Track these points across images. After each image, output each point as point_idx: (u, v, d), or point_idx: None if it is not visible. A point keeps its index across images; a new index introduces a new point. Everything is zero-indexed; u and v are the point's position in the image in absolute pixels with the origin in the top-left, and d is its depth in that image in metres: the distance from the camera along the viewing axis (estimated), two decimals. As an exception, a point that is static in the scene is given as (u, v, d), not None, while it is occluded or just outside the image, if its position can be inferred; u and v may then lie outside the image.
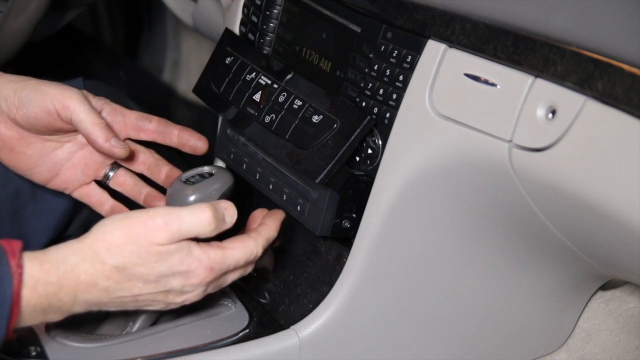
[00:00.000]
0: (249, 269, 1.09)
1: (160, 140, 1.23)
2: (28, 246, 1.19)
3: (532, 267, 1.21)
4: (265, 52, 1.31)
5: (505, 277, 1.22)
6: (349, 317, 1.15)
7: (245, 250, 1.05)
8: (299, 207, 1.20)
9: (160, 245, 0.99)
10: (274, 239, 1.11)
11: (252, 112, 1.23)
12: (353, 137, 1.12)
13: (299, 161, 1.15)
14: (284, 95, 1.20)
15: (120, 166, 1.24)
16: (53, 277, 0.95)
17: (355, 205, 1.17)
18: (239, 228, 1.12)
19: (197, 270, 1.01)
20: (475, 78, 1.03)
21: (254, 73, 1.25)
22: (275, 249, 1.29)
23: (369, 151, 1.15)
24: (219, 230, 1.02)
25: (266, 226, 1.11)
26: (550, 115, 0.95)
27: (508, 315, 1.25)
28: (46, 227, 1.30)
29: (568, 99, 0.94)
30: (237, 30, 1.37)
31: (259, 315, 1.19)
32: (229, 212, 1.04)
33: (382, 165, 1.13)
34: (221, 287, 1.07)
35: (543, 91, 0.96)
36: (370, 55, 1.16)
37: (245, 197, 1.34)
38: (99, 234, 0.98)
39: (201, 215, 1.01)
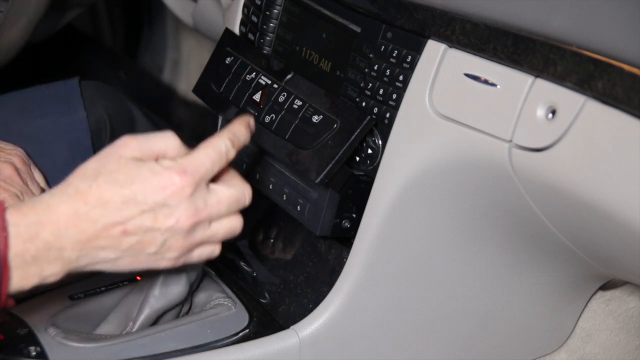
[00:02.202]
0: (235, 194, 1.01)
1: None
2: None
3: (532, 267, 1.21)
4: (265, 52, 1.31)
5: (505, 277, 1.22)
6: (349, 317, 1.15)
7: (211, 147, 1.00)
8: (299, 207, 1.20)
9: (129, 157, 0.96)
10: (243, 137, 1.04)
11: (252, 112, 1.23)
12: (353, 137, 1.12)
13: (299, 161, 1.15)
14: (284, 95, 1.20)
15: None
16: (32, 217, 0.92)
17: (355, 205, 1.17)
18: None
19: (171, 175, 0.96)
20: (475, 78, 1.03)
21: (254, 73, 1.25)
22: (276, 249, 1.29)
23: (369, 151, 1.15)
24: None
25: (230, 125, 1.05)
26: (550, 115, 0.95)
27: (508, 315, 1.25)
28: None
29: (568, 99, 0.94)
30: (237, 30, 1.37)
31: (259, 315, 1.19)
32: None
33: (382, 165, 1.13)
34: (212, 217, 1.00)
35: (543, 91, 0.96)
36: (370, 55, 1.16)
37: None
38: (72, 173, 0.97)
39: (171, 137, 0.99)
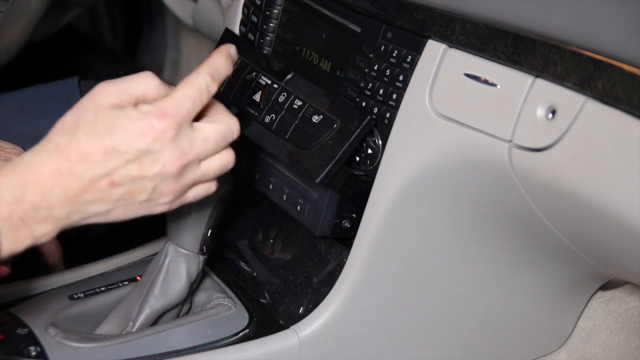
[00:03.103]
0: (218, 130, 0.99)
1: None
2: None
3: (532, 267, 1.21)
4: (265, 52, 1.31)
5: (505, 277, 1.22)
6: (349, 317, 1.15)
7: (190, 84, 0.98)
8: (299, 207, 1.20)
9: (106, 106, 0.94)
10: (224, 68, 1.01)
11: (252, 112, 1.23)
12: (353, 137, 1.12)
13: (299, 161, 1.15)
14: (284, 95, 1.20)
15: None
16: (14, 179, 0.90)
17: (355, 205, 1.17)
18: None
19: (150, 120, 0.94)
20: (475, 78, 1.03)
21: (254, 73, 1.25)
22: (276, 249, 1.29)
23: (369, 151, 1.15)
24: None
25: (210, 58, 1.02)
26: (550, 115, 0.95)
27: (508, 315, 1.25)
28: None
29: (568, 99, 0.94)
30: (237, 30, 1.37)
31: (259, 315, 1.19)
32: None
33: (382, 165, 1.13)
34: (200, 156, 0.98)
35: (543, 91, 0.96)
36: (370, 55, 1.16)
37: (246, 198, 1.34)
38: (51, 129, 0.95)
39: (149, 78, 0.97)
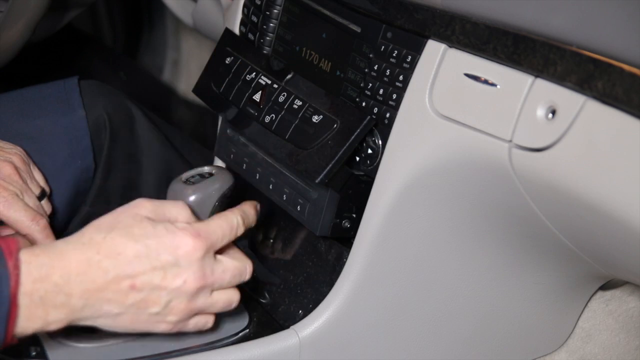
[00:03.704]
0: (242, 264, 1.06)
1: None
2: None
3: (532, 267, 1.21)
4: (265, 52, 1.31)
5: (505, 277, 1.22)
6: (349, 317, 1.15)
7: (224, 219, 1.05)
8: (299, 207, 1.20)
9: (144, 215, 0.99)
10: (252, 218, 1.10)
11: (252, 112, 1.23)
12: (353, 137, 1.12)
13: (299, 161, 1.15)
14: (284, 95, 1.20)
15: None
16: (44, 259, 0.94)
17: (355, 205, 1.17)
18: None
19: (184, 238, 0.99)
20: (475, 78, 1.03)
21: (254, 73, 1.25)
22: (276, 249, 1.29)
23: (369, 151, 1.15)
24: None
25: (242, 205, 1.11)
26: (550, 115, 0.95)
27: (508, 315, 1.25)
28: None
29: (568, 99, 0.94)
30: (237, 30, 1.37)
31: (259, 315, 1.19)
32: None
33: (382, 165, 1.13)
34: (215, 285, 1.03)
35: (543, 91, 0.96)
36: (370, 55, 1.16)
37: (245, 197, 1.34)
38: (87, 225, 1.00)
39: (183, 206, 1.04)
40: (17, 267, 0.92)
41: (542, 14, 0.96)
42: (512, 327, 1.26)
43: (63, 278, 0.94)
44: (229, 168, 1.29)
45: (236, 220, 1.06)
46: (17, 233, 1.22)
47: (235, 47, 1.30)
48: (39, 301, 0.93)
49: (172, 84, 2.36)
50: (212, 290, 1.03)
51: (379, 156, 1.13)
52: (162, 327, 1.02)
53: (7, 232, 1.24)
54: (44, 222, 1.22)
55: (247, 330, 1.16)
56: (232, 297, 1.06)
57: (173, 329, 1.03)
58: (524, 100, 0.98)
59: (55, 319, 0.95)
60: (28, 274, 0.93)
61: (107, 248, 0.96)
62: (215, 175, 1.15)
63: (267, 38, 1.31)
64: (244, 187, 1.30)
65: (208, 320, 1.06)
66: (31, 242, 1.23)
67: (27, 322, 0.94)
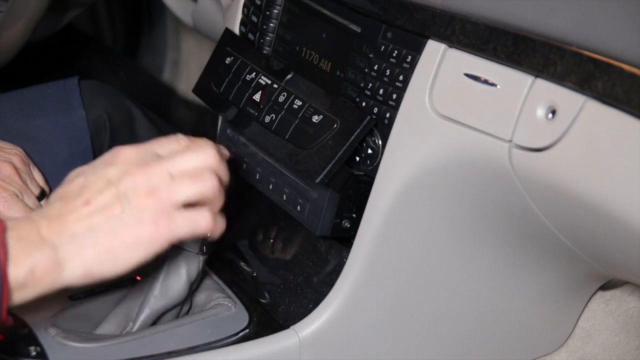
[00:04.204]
0: (190, 161, 1.01)
1: None
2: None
3: (532, 267, 1.21)
4: (265, 52, 1.31)
5: (505, 277, 1.22)
6: (349, 317, 1.15)
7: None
8: (299, 207, 1.20)
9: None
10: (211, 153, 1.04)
11: (252, 112, 1.23)
12: (353, 137, 1.12)
13: (299, 161, 1.15)
14: (284, 95, 1.20)
15: None
16: (10, 223, 0.95)
17: (355, 205, 1.17)
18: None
19: (121, 150, 1.00)
20: (475, 78, 1.03)
21: (254, 73, 1.25)
22: (276, 249, 1.29)
23: (369, 151, 1.15)
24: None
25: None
26: (550, 115, 0.95)
27: (508, 315, 1.25)
28: None
29: (568, 99, 0.94)
30: (237, 30, 1.37)
31: (259, 315, 1.19)
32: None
33: (382, 165, 1.13)
34: (169, 168, 0.99)
35: (543, 91, 0.96)
36: (370, 55, 1.16)
37: (246, 197, 1.34)
38: None
39: None
40: (4, 244, 0.92)
41: (542, 14, 0.96)
42: (512, 327, 1.26)
43: (28, 221, 0.96)
44: (229, 168, 1.29)
45: (179, 136, 1.04)
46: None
47: (235, 47, 1.30)
48: (17, 243, 0.93)
49: (172, 84, 2.36)
50: (171, 174, 0.99)
51: (379, 156, 1.13)
52: (147, 230, 0.97)
53: None
54: None
55: (247, 330, 1.16)
56: (207, 184, 1.00)
57: (162, 230, 0.98)
58: (524, 100, 0.98)
59: (40, 259, 0.94)
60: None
61: (54, 195, 0.99)
62: (215, 175, 1.15)
63: (267, 38, 1.31)
64: (244, 187, 1.30)
65: (200, 215, 1.00)
66: None
67: (15, 268, 0.93)
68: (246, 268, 1.28)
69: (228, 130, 1.33)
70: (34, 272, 0.93)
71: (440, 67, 1.06)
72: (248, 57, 1.28)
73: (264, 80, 1.24)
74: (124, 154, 1.00)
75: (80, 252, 0.96)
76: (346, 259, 1.16)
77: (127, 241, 0.97)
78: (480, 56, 1.02)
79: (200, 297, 1.21)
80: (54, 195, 1.00)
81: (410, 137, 1.09)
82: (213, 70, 1.31)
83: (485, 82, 1.01)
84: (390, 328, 1.18)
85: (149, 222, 0.97)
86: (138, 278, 1.21)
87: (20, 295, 0.94)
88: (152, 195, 0.98)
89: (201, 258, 1.15)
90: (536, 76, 0.97)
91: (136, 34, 2.38)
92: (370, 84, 1.15)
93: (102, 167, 0.99)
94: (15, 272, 0.92)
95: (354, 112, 1.14)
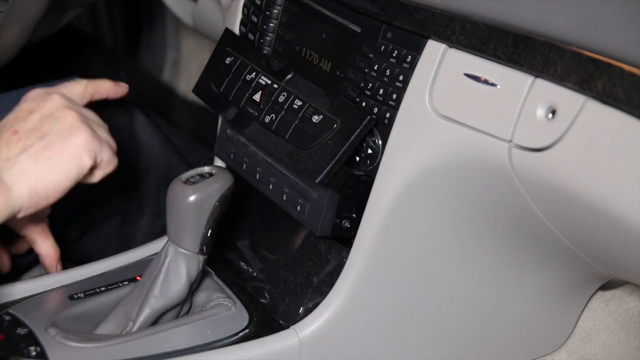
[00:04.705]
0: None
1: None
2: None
3: (532, 267, 1.21)
4: (265, 52, 1.31)
5: (505, 277, 1.22)
6: (349, 317, 1.15)
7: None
8: (299, 207, 1.20)
9: None
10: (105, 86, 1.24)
11: (252, 112, 1.23)
12: (353, 137, 1.12)
13: (299, 161, 1.15)
14: (284, 95, 1.20)
15: None
16: None
17: (355, 205, 1.17)
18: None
19: (28, 91, 1.13)
20: (475, 78, 1.03)
21: (254, 73, 1.25)
22: (276, 249, 1.29)
23: (369, 151, 1.15)
24: None
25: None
26: (550, 115, 0.95)
27: (508, 315, 1.25)
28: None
29: (568, 99, 0.94)
30: (237, 30, 1.37)
31: (259, 315, 1.19)
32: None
33: (382, 165, 1.13)
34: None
35: (543, 91, 0.96)
36: (370, 55, 1.16)
37: (245, 197, 1.34)
38: None
39: None
40: None
41: (542, 14, 0.96)
42: (512, 327, 1.26)
43: None
44: (229, 168, 1.29)
45: (80, 80, 1.19)
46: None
47: (235, 47, 1.30)
48: None
49: (172, 84, 2.36)
50: (80, 109, 1.13)
51: (379, 156, 1.13)
52: (81, 137, 1.10)
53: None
54: (42, 223, 1.22)
55: (247, 330, 1.16)
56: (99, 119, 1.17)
57: (93, 137, 1.10)
58: (524, 100, 0.98)
59: None
60: None
61: None
62: (215, 175, 1.15)
63: (267, 38, 1.31)
64: (244, 187, 1.30)
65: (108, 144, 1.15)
66: (30, 243, 1.23)
67: None
68: (246, 268, 1.28)
69: (228, 130, 1.33)
70: None
71: (440, 67, 1.06)
72: (248, 57, 1.28)
73: (264, 80, 1.24)
74: (33, 93, 1.13)
75: (22, 171, 1.05)
76: (346, 259, 1.16)
77: (63, 152, 1.08)
78: (480, 56, 1.02)
79: (200, 297, 1.21)
80: None
81: (410, 137, 1.09)
82: (213, 70, 1.31)
83: (485, 82, 1.01)
84: (390, 328, 1.18)
85: (79, 129, 1.09)
86: (138, 278, 1.21)
87: None
88: (73, 109, 1.11)
89: (201, 258, 1.15)
90: (536, 76, 0.97)
91: (136, 34, 2.38)
92: (370, 84, 1.15)
93: (16, 107, 1.11)
94: None
95: (354, 112, 1.14)
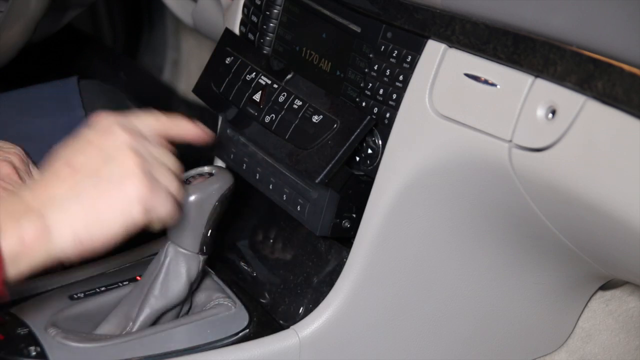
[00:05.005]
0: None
1: None
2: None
3: (532, 267, 1.21)
4: (265, 52, 1.31)
5: (505, 277, 1.22)
6: (349, 317, 1.15)
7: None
8: (299, 207, 1.20)
9: None
10: (182, 126, 1.06)
11: (252, 112, 1.23)
12: (353, 137, 1.12)
13: (299, 161, 1.15)
14: (284, 95, 1.20)
15: None
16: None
17: (355, 205, 1.17)
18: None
19: (97, 116, 1.00)
20: (475, 78, 1.03)
21: (254, 73, 1.25)
22: (276, 249, 1.29)
23: (369, 151, 1.15)
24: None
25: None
26: (550, 115, 0.95)
27: (508, 315, 1.25)
28: None
29: (568, 99, 0.94)
30: (237, 30, 1.37)
31: (259, 315, 1.19)
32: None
33: (382, 165, 1.13)
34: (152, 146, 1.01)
35: (543, 91, 0.96)
36: (370, 55, 1.16)
37: (245, 197, 1.34)
38: None
39: None
40: None
41: (542, 14, 0.96)
42: (512, 327, 1.26)
43: (10, 194, 0.97)
44: (229, 168, 1.29)
45: (157, 114, 1.04)
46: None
47: (235, 47, 1.30)
48: (3, 215, 0.92)
49: (172, 84, 2.36)
50: (148, 149, 0.99)
51: (379, 156, 1.13)
52: (134, 190, 0.96)
53: None
54: None
55: (247, 330, 1.16)
56: (169, 157, 1.02)
57: (148, 191, 0.96)
58: (524, 100, 0.98)
59: (28, 227, 0.92)
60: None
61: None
62: (215, 175, 1.15)
63: (267, 38, 1.31)
64: (244, 187, 1.30)
65: (171, 177, 1.00)
66: None
67: (5, 239, 0.91)
68: (246, 268, 1.28)
69: (228, 130, 1.33)
70: (23, 241, 0.91)
71: (440, 67, 1.06)
72: (248, 57, 1.28)
73: (264, 80, 1.24)
74: (100, 119, 0.99)
75: (67, 216, 0.94)
76: (346, 259, 1.16)
77: (113, 202, 0.95)
78: (480, 56, 1.02)
79: (200, 297, 1.21)
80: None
81: (410, 137, 1.09)
82: (213, 70, 1.31)
83: (485, 82, 1.01)
84: (390, 328, 1.18)
85: (135, 179, 0.96)
86: (138, 278, 1.21)
87: (15, 268, 0.92)
88: (138, 154, 0.97)
89: (201, 258, 1.15)
90: (536, 76, 0.97)
91: (136, 34, 2.38)
92: (370, 84, 1.15)
93: (80, 133, 0.99)
94: (6, 243, 0.90)
95: (354, 112, 1.14)
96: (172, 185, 1.00)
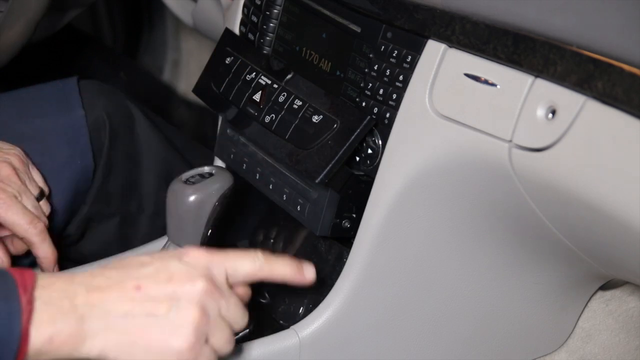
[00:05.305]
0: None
1: None
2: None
3: (532, 267, 1.21)
4: (265, 52, 1.31)
5: (505, 277, 1.22)
6: (349, 317, 1.15)
7: (244, 252, 1.00)
8: (299, 207, 1.20)
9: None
10: (284, 267, 1.03)
11: (252, 112, 1.23)
12: (353, 137, 1.12)
13: (299, 161, 1.15)
14: (284, 95, 1.20)
15: None
16: (45, 280, 0.91)
17: (355, 205, 1.17)
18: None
19: (190, 249, 0.96)
20: (475, 78, 1.03)
21: (254, 73, 1.25)
22: (276, 249, 1.29)
23: (369, 151, 1.15)
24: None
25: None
26: (550, 115, 0.95)
27: (508, 315, 1.25)
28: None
29: (568, 99, 0.94)
30: (237, 30, 1.37)
31: (259, 315, 1.19)
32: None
33: (382, 165, 1.13)
34: (229, 306, 0.97)
35: (543, 91, 0.96)
36: (370, 55, 1.16)
37: (245, 197, 1.34)
38: None
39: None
40: (30, 302, 0.88)
41: (542, 14, 0.96)
42: (512, 327, 1.26)
43: (66, 283, 0.91)
44: (229, 168, 1.29)
45: (259, 255, 1.00)
46: (14, 235, 1.22)
47: (235, 47, 1.30)
48: (44, 306, 0.89)
49: (172, 84, 2.36)
50: (220, 308, 0.96)
51: (379, 156, 1.13)
52: (178, 344, 0.93)
53: (4, 233, 1.24)
54: (41, 225, 1.22)
55: (247, 330, 1.16)
56: (242, 315, 0.99)
57: (191, 353, 0.94)
58: (524, 100, 0.98)
59: (62, 329, 0.89)
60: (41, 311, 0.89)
61: (112, 266, 0.94)
62: (215, 175, 1.15)
63: (267, 38, 1.31)
64: (244, 187, 1.30)
65: (229, 338, 0.97)
66: (28, 245, 1.23)
67: (35, 333, 0.88)
68: (246, 268, 1.28)
69: (228, 130, 1.33)
70: (52, 340, 0.89)
71: (440, 67, 1.06)
72: (248, 57, 1.28)
73: (264, 80, 1.24)
74: (195, 255, 0.96)
75: (107, 333, 0.91)
76: (346, 259, 1.16)
77: (154, 344, 0.93)
78: (480, 56, 1.02)
79: (200, 297, 1.20)
80: (113, 262, 0.96)
81: (410, 137, 1.09)
82: (213, 70, 1.31)
83: (485, 82, 1.01)
84: (390, 328, 1.18)
85: (185, 336, 0.93)
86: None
87: None
88: (199, 314, 0.94)
89: (201, 258, 1.15)
90: (536, 76, 0.97)
91: (136, 34, 2.38)
92: (370, 84, 1.15)
93: (170, 258, 0.95)
94: (34, 338, 0.88)
95: (354, 112, 1.14)
96: (224, 346, 0.98)
